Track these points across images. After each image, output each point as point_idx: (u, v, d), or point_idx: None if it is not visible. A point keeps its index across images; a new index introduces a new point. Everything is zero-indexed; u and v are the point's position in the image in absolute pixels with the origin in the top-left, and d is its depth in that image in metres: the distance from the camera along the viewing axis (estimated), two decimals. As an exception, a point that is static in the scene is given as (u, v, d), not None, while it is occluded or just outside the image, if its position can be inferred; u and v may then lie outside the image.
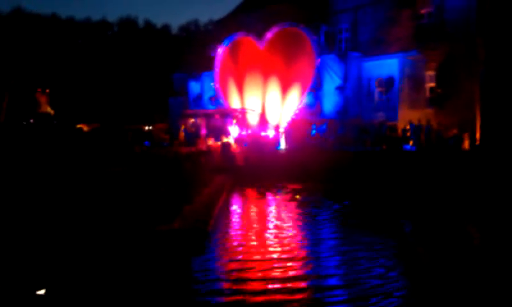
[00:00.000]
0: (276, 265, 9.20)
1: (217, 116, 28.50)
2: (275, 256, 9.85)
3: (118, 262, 8.05)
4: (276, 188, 19.64)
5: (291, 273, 8.69)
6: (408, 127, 23.28)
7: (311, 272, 8.87)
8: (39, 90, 30.10)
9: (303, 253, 10.29)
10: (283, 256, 9.80)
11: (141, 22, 53.27)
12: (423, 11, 25.92)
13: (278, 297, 7.57)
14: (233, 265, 9.17)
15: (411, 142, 22.54)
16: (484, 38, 21.23)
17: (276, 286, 8.07)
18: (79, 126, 32.36)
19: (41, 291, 5.18)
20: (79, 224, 8.89)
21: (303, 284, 8.18)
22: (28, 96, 31.00)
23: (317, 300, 7.53)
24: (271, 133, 27.42)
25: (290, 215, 14.74)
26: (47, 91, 30.33)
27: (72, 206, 9.19)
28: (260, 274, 8.65)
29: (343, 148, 23.26)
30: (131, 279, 7.85)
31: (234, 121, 27.65)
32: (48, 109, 29.98)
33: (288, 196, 17.91)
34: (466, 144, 20.89)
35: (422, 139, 22.30)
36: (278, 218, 14.25)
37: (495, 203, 14.69)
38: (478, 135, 21.06)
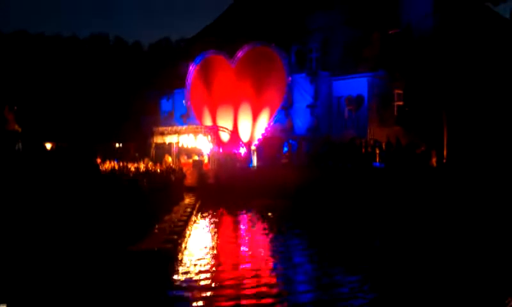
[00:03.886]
0: (246, 282, 9.20)
1: (188, 134, 28.31)
2: (245, 274, 9.87)
3: (81, 287, 7.93)
4: (247, 205, 19.65)
5: (263, 289, 8.74)
6: (377, 144, 23.62)
7: (281, 287, 9.08)
8: (6, 107, 29.41)
9: (272, 270, 10.34)
10: (253, 273, 9.82)
11: (112, 38, 52.75)
12: (391, 32, 26.53)
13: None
14: (202, 284, 9.11)
15: (379, 160, 22.86)
16: (448, 57, 21.80)
17: (247, 302, 8.13)
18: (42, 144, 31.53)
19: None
20: (45, 248, 8.68)
21: (273, 300, 8.23)
22: (-4, 114, 30.25)
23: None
24: (242, 150, 27.45)
25: (261, 232, 14.80)
26: (15, 108, 29.64)
27: (36, 226, 8.99)
28: (230, 291, 8.64)
29: (313, 165, 23.45)
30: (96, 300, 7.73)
31: (206, 139, 27.54)
32: (16, 127, 29.29)
33: (259, 214, 17.94)
34: (434, 161, 21.31)
35: (391, 156, 22.61)
36: (248, 236, 14.28)
37: (459, 218, 15.05)
38: (445, 153, 21.51)
